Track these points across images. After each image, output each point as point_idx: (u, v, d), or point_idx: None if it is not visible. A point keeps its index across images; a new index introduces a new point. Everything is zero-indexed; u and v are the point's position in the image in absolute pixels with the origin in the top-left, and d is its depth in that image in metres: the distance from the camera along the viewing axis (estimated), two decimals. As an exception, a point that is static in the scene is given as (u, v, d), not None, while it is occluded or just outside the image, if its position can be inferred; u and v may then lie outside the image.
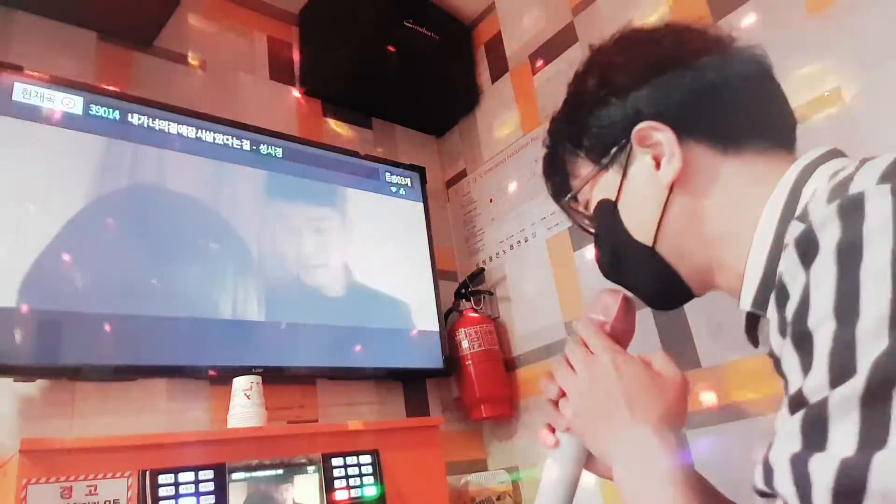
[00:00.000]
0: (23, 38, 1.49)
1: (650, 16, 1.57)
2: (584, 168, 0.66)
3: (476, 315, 1.86)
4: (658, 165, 0.59)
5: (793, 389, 0.41)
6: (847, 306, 0.38)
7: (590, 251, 1.67)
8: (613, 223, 0.63)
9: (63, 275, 1.27)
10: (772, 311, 0.47)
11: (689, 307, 1.36)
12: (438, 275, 1.90)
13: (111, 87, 1.52)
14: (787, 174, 0.54)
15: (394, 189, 1.92)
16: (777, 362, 0.48)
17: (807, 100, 1.25)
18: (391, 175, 1.93)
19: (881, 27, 1.16)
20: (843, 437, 0.36)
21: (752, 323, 0.59)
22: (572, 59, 1.77)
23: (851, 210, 0.40)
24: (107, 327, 1.28)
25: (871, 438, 0.35)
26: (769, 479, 0.40)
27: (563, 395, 0.66)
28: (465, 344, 1.80)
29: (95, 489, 1.03)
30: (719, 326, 1.34)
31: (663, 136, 0.58)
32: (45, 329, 1.23)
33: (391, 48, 1.85)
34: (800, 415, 0.39)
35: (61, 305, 1.25)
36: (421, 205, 1.95)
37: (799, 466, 0.38)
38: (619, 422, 0.60)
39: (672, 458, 0.57)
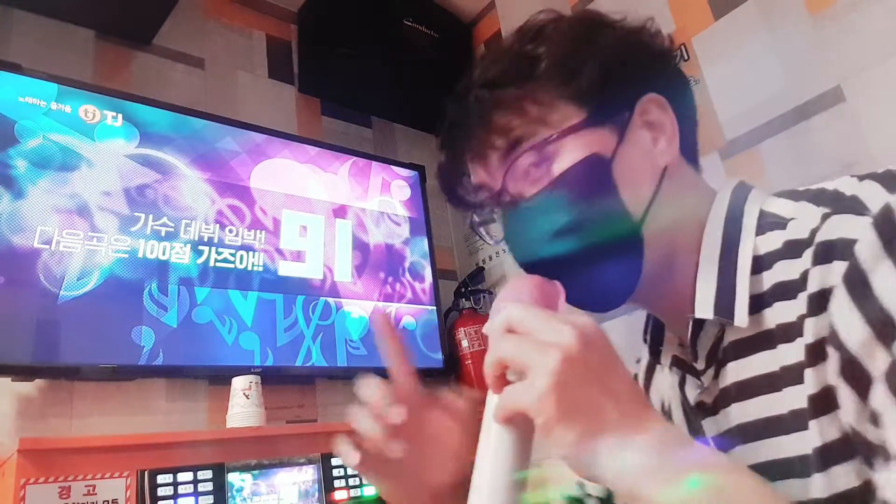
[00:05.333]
0: (21, 36, 1.48)
1: (650, 15, 1.56)
2: (555, 113, 0.54)
3: (476, 314, 1.86)
4: (655, 143, 0.55)
5: None
6: None
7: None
8: (605, 184, 0.52)
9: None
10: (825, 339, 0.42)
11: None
12: (438, 274, 1.90)
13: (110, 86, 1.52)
14: (721, 195, 0.55)
15: (393, 188, 1.91)
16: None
17: (807, 99, 1.24)
18: (390, 174, 1.93)
19: (881, 26, 1.16)
20: None
21: (696, 332, 0.52)
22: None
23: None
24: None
25: None
26: None
27: (505, 369, 0.44)
28: (465, 343, 1.80)
29: (94, 489, 1.03)
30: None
31: (668, 118, 0.56)
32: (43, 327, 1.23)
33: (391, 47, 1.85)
34: None
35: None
36: (421, 204, 1.95)
37: None
38: (629, 406, 0.41)
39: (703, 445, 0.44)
